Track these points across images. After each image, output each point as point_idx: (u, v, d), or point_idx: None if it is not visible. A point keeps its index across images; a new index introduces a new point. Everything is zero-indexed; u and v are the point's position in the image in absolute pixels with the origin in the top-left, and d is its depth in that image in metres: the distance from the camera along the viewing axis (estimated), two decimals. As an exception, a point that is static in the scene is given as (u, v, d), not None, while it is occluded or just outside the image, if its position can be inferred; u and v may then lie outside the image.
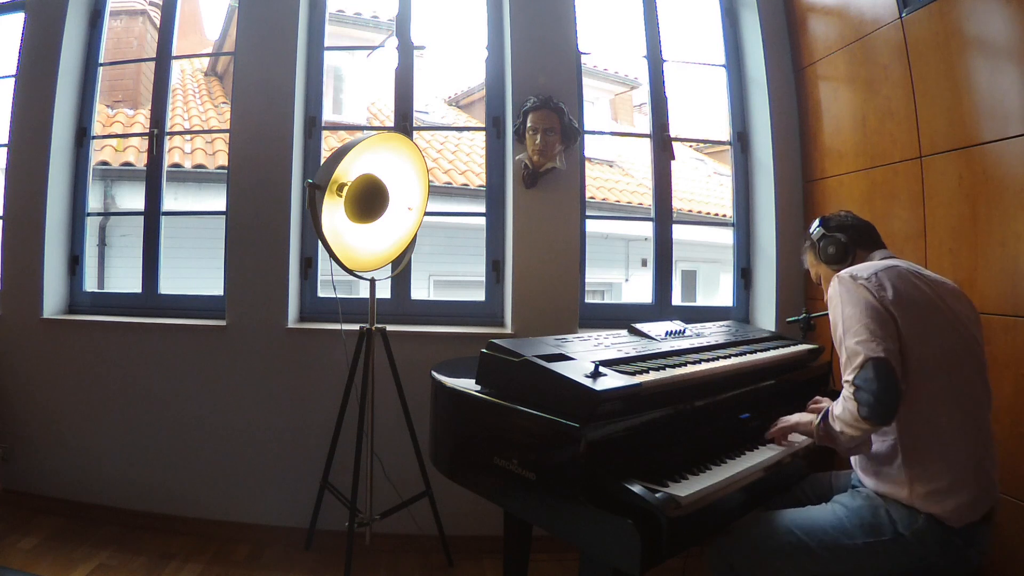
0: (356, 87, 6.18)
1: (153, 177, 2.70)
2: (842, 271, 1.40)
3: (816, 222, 1.60)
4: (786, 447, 1.45)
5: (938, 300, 1.33)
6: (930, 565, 1.23)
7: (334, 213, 1.95)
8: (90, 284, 2.91)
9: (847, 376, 1.25)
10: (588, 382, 1.23)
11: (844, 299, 1.33)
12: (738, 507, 1.32)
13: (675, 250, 2.71)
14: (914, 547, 1.23)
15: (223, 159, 4.93)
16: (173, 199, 4.76)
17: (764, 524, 1.33)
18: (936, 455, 1.25)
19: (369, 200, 2.00)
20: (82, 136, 2.73)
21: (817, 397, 1.62)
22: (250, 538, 2.39)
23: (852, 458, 1.42)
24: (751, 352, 1.74)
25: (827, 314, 2.02)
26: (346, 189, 1.94)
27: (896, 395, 1.20)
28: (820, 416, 1.34)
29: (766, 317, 2.58)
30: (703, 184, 7.92)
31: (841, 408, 1.26)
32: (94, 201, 3.00)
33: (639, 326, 1.84)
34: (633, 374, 1.34)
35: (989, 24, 1.74)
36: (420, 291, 5.44)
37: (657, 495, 1.12)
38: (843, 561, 1.26)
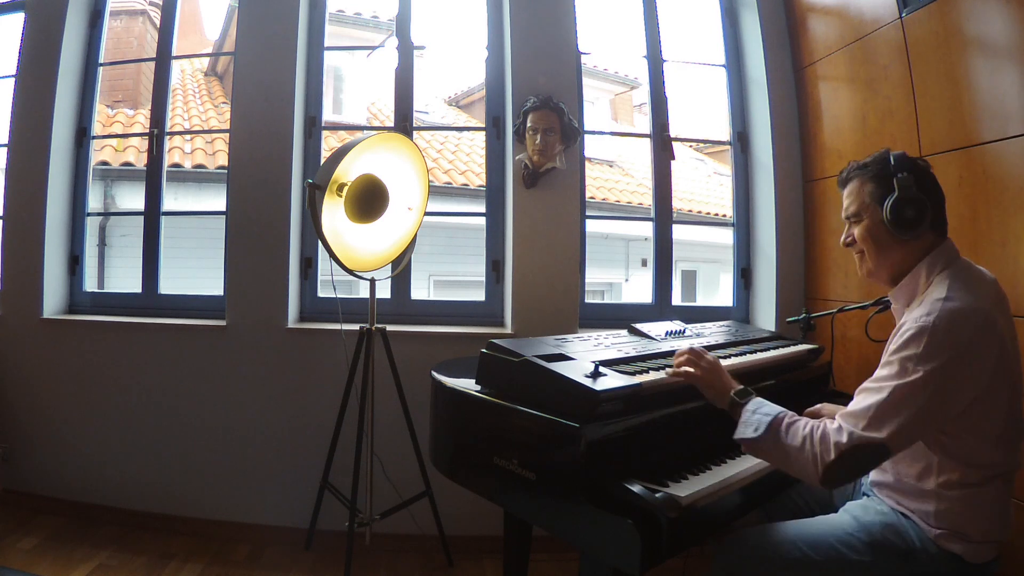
0: (356, 87, 6.18)
1: (153, 177, 2.70)
2: (956, 302, 1.11)
3: (899, 158, 1.26)
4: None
5: (1010, 344, 1.17)
6: None
7: (334, 213, 1.95)
8: (90, 284, 2.91)
9: (847, 427, 1.10)
10: (588, 382, 1.23)
11: (928, 355, 1.08)
12: (738, 507, 1.32)
13: (675, 250, 2.70)
14: (926, 571, 1.19)
15: (223, 159, 4.94)
16: (173, 199, 4.76)
17: (769, 537, 1.29)
18: (975, 513, 1.17)
19: (369, 200, 2.00)
20: (82, 136, 2.72)
21: (809, 410, 1.57)
22: (250, 538, 2.39)
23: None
24: (751, 352, 1.74)
25: (828, 314, 2.03)
26: (346, 189, 1.94)
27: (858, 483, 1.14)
28: (758, 428, 1.16)
29: (766, 317, 2.58)
30: (703, 184, 7.92)
31: (800, 442, 1.11)
32: (94, 201, 3.00)
33: (639, 326, 1.84)
34: (633, 374, 1.34)
35: (989, 24, 1.73)
36: (420, 291, 5.44)
37: (657, 495, 1.12)
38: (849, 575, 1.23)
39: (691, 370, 1.30)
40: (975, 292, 1.16)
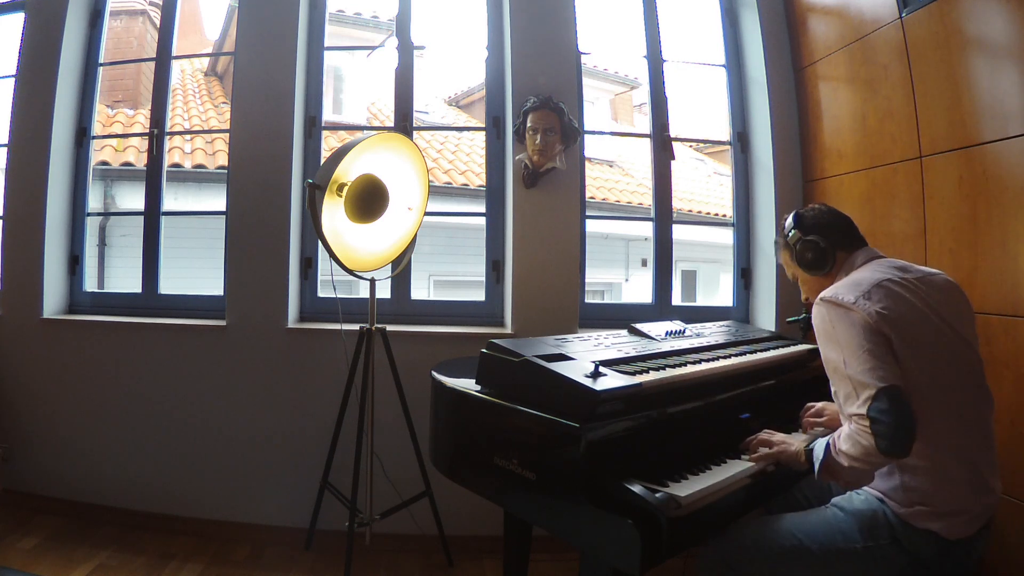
0: (356, 87, 6.18)
1: (153, 177, 2.70)
2: (825, 293, 1.29)
3: (789, 220, 1.48)
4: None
5: (927, 310, 1.26)
6: (929, 569, 1.23)
7: (334, 213, 1.95)
8: (90, 284, 2.91)
9: (855, 409, 1.16)
10: (588, 382, 1.23)
11: (837, 326, 1.23)
12: (738, 507, 1.32)
13: (675, 250, 2.70)
14: (911, 554, 1.22)
15: (223, 159, 4.93)
16: (173, 199, 4.76)
17: (765, 527, 1.32)
18: (936, 480, 1.21)
19: (369, 200, 2.00)
20: (82, 136, 2.72)
21: (808, 405, 1.59)
22: (250, 538, 2.39)
23: None
24: (751, 352, 1.74)
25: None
26: (346, 189, 1.94)
27: (913, 423, 1.13)
28: (820, 460, 1.24)
29: (766, 317, 2.58)
30: (703, 184, 7.92)
31: (851, 443, 1.16)
32: (94, 201, 3.00)
33: (639, 326, 1.84)
34: (633, 374, 1.35)
35: (989, 24, 1.74)
36: (420, 291, 5.44)
37: (657, 495, 1.12)
38: (843, 564, 1.25)
39: (768, 451, 1.37)
40: (873, 270, 1.33)
